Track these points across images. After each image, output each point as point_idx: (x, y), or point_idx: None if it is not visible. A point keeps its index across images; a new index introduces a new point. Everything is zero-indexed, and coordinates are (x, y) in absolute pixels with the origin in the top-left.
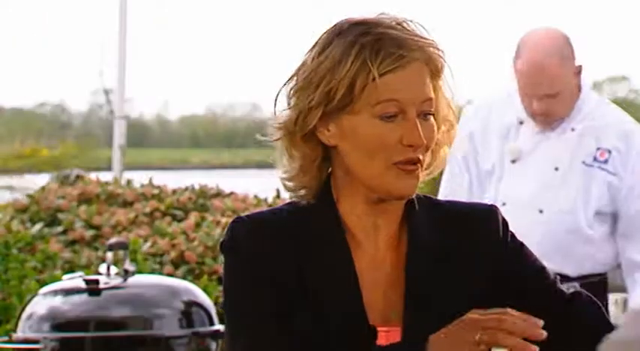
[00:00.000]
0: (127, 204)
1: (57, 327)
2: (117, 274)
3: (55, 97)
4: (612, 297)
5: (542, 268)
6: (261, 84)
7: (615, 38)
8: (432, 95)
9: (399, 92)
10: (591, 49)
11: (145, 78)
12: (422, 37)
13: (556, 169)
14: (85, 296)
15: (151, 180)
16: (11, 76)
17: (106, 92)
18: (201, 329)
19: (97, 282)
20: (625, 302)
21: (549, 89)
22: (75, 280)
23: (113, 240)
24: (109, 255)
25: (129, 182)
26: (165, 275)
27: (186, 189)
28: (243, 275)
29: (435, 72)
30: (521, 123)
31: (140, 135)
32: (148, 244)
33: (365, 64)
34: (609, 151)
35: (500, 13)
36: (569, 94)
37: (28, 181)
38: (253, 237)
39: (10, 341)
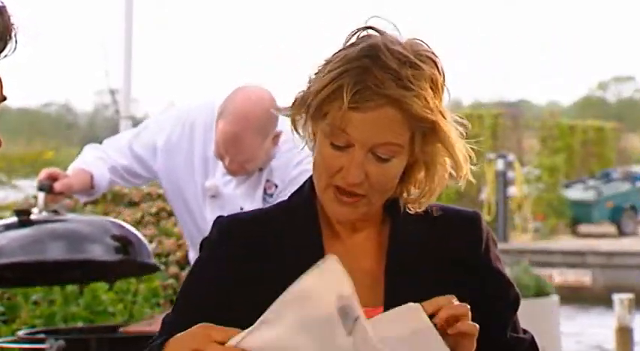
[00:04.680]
0: (133, 204)
1: None
2: (51, 211)
3: (61, 97)
4: (617, 297)
5: (507, 295)
6: (266, 83)
7: (621, 38)
8: (396, 140)
9: (353, 129)
10: (597, 49)
11: (151, 78)
12: (409, 85)
13: (241, 208)
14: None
15: None
16: (16, 76)
17: (112, 92)
18: (133, 258)
19: (28, 213)
20: (630, 302)
21: (241, 157)
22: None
23: (43, 176)
24: (41, 195)
25: None
26: (171, 276)
27: None
28: (200, 272)
29: (414, 120)
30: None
31: None
32: (154, 244)
33: (340, 90)
34: (276, 186)
35: (502, 13)
36: (260, 160)
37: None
38: (225, 238)
39: (15, 341)
